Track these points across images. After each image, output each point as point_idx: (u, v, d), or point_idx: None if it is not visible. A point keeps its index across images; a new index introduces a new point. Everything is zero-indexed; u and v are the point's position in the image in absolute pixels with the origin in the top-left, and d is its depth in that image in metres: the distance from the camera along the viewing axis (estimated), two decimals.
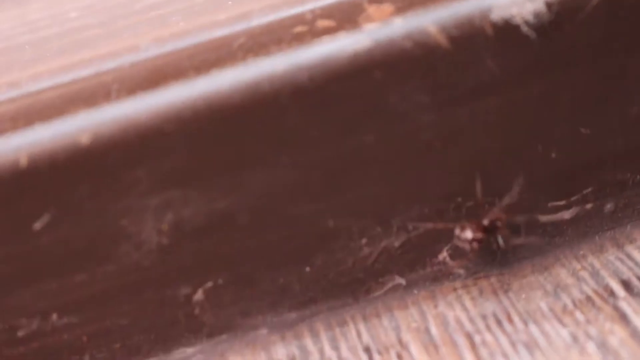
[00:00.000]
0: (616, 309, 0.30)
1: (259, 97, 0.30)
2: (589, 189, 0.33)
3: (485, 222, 0.32)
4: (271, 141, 0.31)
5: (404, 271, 0.33)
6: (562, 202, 0.33)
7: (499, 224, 0.32)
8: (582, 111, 0.32)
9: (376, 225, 0.32)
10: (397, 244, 0.32)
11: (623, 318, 0.29)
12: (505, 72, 0.30)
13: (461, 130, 0.31)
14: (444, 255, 0.32)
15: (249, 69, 0.30)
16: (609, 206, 0.33)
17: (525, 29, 0.30)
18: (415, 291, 0.33)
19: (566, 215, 0.33)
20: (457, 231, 0.32)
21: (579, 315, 0.30)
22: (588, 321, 0.30)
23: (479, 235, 0.32)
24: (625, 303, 0.30)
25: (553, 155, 0.32)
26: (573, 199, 0.33)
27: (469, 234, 0.32)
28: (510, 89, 0.31)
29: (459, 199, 0.32)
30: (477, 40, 0.30)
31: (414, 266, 0.32)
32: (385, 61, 0.30)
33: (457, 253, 0.32)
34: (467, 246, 0.32)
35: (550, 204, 0.32)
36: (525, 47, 0.30)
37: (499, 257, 0.33)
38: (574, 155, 0.32)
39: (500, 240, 0.32)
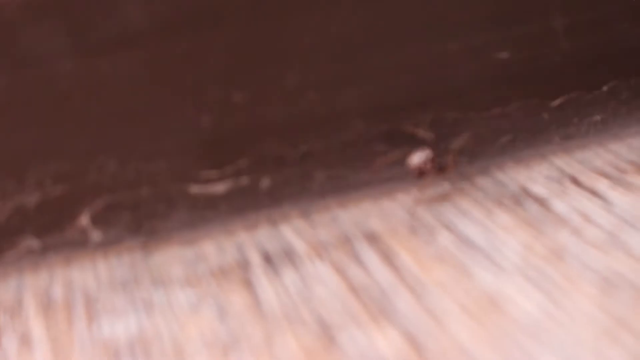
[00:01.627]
0: (246, 279, 0.28)
1: None
2: (244, 161, 0.31)
3: None
4: None
5: (39, 233, 0.30)
6: (215, 173, 0.31)
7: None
8: (235, 74, 0.30)
9: (10, 178, 0.30)
10: (33, 201, 0.30)
11: (249, 287, 0.28)
12: (152, 25, 0.29)
13: (103, 82, 0.29)
14: (83, 219, 0.30)
15: None
16: (265, 182, 0.31)
17: None
18: (50, 254, 0.30)
19: (219, 188, 0.31)
20: None
21: (209, 282, 0.28)
22: (215, 288, 0.28)
23: None
24: (258, 274, 0.29)
25: (205, 120, 0.30)
26: (227, 170, 0.31)
27: None
28: (157, 43, 0.29)
29: (102, 158, 0.30)
30: None
31: (51, 228, 0.30)
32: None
33: (98, 219, 0.30)
34: None
35: (202, 173, 0.31)
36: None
37: (145, 226, 0.31)
38: (228, 122, 0.31)
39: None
